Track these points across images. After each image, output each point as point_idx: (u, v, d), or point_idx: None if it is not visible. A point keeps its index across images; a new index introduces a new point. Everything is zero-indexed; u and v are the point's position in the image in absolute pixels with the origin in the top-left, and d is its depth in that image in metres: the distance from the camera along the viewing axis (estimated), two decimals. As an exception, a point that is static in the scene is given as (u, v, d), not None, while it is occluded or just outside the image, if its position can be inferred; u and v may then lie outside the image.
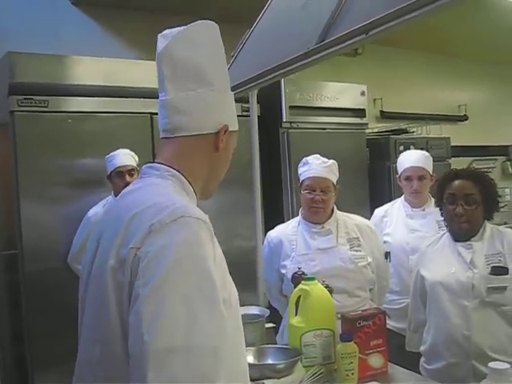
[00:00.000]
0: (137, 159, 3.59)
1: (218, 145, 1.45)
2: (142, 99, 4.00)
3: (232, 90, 2.05)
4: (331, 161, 2.86)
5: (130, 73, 4.04)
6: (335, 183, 2.85)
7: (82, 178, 3.79)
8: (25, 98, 3.60)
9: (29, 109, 3.62)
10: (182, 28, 1.47)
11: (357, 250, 2.78)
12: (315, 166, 2.84)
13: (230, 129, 1.48)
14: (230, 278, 1.36)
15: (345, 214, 2.93)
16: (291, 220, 3.03)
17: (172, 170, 1.39)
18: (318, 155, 2.90)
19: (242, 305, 2.51)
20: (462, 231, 2.47)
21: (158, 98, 4.26)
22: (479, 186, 2.44)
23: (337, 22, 1.51)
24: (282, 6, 2.18)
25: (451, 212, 2.47)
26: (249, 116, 4.30)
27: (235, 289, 1.38)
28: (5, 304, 4.27)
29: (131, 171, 3.53)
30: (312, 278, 2.31)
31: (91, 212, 3.58)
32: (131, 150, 3.62)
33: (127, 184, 3.44)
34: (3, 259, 4.13)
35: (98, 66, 3.97)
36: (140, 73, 4.07)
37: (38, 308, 3.68)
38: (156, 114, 4.23)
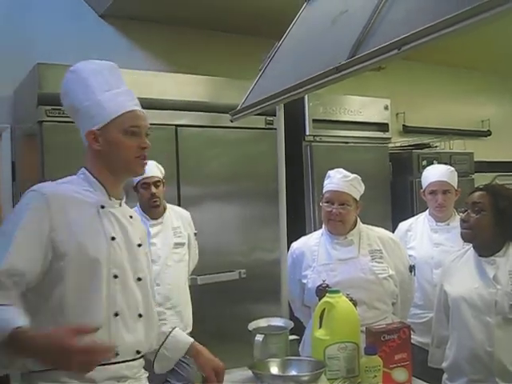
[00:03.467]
0: (163, 170, 3.61)
1: (92, 146, 1.86)
2: (167, 111, 4.06)
3: (259, 104, 2.09)
4: (353, 175, 2.87)
5: (155, 84, 4.08)
6: (357, 198, 2.86)
7: (107, 188, 3.82)
8: (53, 109, 3.65)
9: (57, 119, 3.67)
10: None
11: (378, 262, 2.78)
12: (336, 180, 2.87)
13: (95, 128, 1.84)
14: (83, 239, 1.74)
15: (368, 226, 2.94)
16: (315, 232, 3.05)
17: (84, 169, 1.93)
18: (341, 169, 2.91)
19: (264, 316, 2.54)
20: (465, 239, 2.50)
21: (183, 109, 4.32)
22: (490, 196, 2.44)
23: (368, 36, 1.53)
24: (310, 20, 2.20)
25: (460, 219, 2.52)
26: (272, 129, 4.36)
27: (88, 249, 1.74)
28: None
29: (157, 182, 3.55)
30: (337, 291, 2.31)
31: (116, 222, 3.60)
32: (156, 161, 3.64)
33: (153, 195, 3.49)
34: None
35: (124, 77, 4.00)
36: (165, 85, 4.12)
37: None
38: (181, 125, 4.29)
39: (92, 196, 1.85)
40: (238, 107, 2.37)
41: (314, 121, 4.72)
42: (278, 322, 2.54)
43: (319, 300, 2.41)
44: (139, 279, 1.88)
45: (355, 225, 2.88)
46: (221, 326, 4.11)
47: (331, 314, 2.26)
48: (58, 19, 4.68)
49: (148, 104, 3.89)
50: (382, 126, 5.15)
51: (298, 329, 2.74)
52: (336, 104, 4.87)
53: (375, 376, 2.12)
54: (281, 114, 2.79)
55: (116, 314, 1.77)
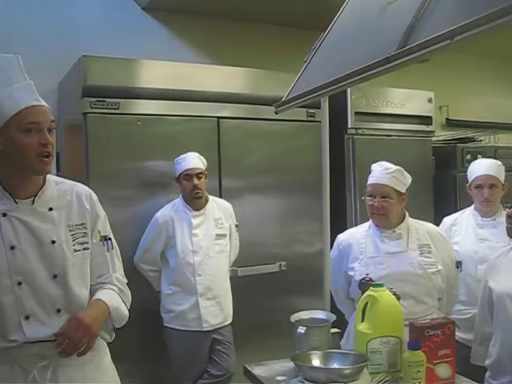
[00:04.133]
0: (205, 162, 3.63)
1: None
2: (210, 103, 4.07)
3: (304, 96, 2.08)
4: (396, 167, 2.83)
5: (197, 77, 4.10)
6: (401, 190, 2.82)
7: (149, 179, 3.87)
8: (97, 101, 3.70)
9: (101, 111, 3.73)
10: None
11: (427, 257, 2.74)
12: (377, 173, 2.85)
13: None
14: None
15: (416, 220, 2.90)
16: (362, 224, 3.02)
17: None
18: (384, 162, 2.89)
19: (304, 309, 2.54)
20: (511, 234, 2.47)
21: (225, 102, 4.31)
22: None
23: (418, 26, 1.50)
24: (357, 10, 2.17)
25: (506, 214, 2.50)
26: (314, 122, 4.34)
27: None
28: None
29: (199, 174, 3.58)
30: (380, 285, 2.29)
31: (159, 214, 3.65)
32: (198, 153, 3.66)
33: (195, 186, 3.51)
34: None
35: (167, 69, 4.04)
36: (207, 77, 4.14)
37: (103, 305, 3.76)
38: (223, 117, 4.29)
39: None
40: (283, 99, 2.35)
41: (357, 113, 4.69)
42: (320, 314, 2.53)
43: (362, 293, 2.39)
44: (55, 276, 1.89)
45: (403, 218, 2.85)
46: (261, 318, 4.12)
47: (374, 307, 2.24)
48: (101, 12, 4.74)
49: (190, 96, 3.99)
50: (426, 119, 5.08)
51: (340, 322, 2.73)
52: (379, 96, 4.82)
53: (418, 371, 2.09)
54: (325, 106, 2.76)
55: (27, 317, 1.82)
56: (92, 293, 2.03)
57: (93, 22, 4.69)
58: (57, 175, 4.41)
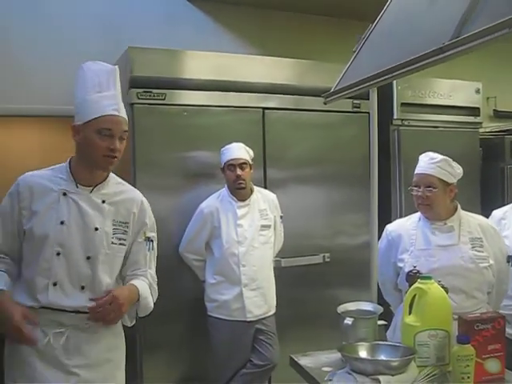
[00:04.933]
0: (251, 153, 3.64)
1: (74, 138, 2.17)
2: (255, 94, 4.08)
3: (354, 86, 2.06)
4: (442, 157, 2.80)
5: (243, 67, 4.12)
6: (447, 180, 2.78)
7: (195, 169, 3.90)
8: (144, 91, 3.74)
9: (147, 101, 3.77)
10: None
11: (478, 251, 2.70)
12: (422, 163, 2.84)
13: (78, 123, 2.13)
14: (35, 222, 2.12)
15: (467, 213, 2.86)
16: (411, 215, 2.99)
17: (70, 158, 2.24)
18: (430, 152, 2.86)
19: (348, 301, 2.53)
20: None
21: (271, 92, 4.32)
22: None
23: (473, 15, 1.47)
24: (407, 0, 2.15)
25: None
26: (360, 113, 4.31)
27: (36, 231, 2.12)
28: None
29: (242, 164, 3.58)
30: (428, 277, 2.27)
31: (204, 204, 3.68)
32: (243, 144, 3.67)
33: (238, 176, 3.52)
34: (119, 245, 4.32)
35: (212, 60, 4.06)
36: (253, 67, 4.14)
37: (149, 293, 3.81)
38: (269, 108, 4.29)
39: (61, 183, 2.18)
40: (332, 89, 2.34)
41: (403, 104, 4.64)
42: (366, 306, 2.52)
43: (409, 286, 2.37)
44: (88, 258, 2.16)
45: (455, 211, 2.81)
46: (304, 309, 4.13)
47: (422, 300, 2.22)
48: (147, 4, 4.80)
49: (235, 87, 4.01)
50: (473, 111, 5.00)
51: (387, 314, 2.71)
52: (425, 87, 4.76)
53: (467, 366, 2.06)
54: (374, 96, 2.73)
55: (54, 284, 2.10)
56: (126, 280, 2.33)
57: (139, 14, 4.76)
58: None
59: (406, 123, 4.63)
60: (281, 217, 3.79)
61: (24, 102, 4.36)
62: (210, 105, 3.96)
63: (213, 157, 3.83)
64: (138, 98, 3.74)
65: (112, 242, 2.20)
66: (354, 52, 2.33)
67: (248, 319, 3.56)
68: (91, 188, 2.19)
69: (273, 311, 3.70)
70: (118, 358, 2.34)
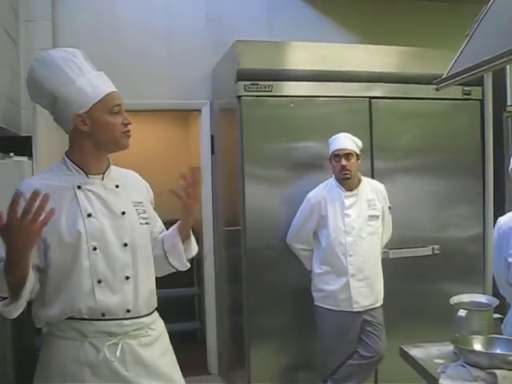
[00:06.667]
0: (358, 143, 3.60)
1: (81, 128, 2.00)
2: (361, 83, 4.05)
3: (469, 71, 1.99)
4: None
5: (348, 57, 4.10)
6: None
7: (301, 160, 3.93)
8: (251, 84, 3.81)
9: (254, 93, 3.84)
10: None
11: None
12: None
13: (81, 112, 1.97)
14: (61, 226, 1.95)
15: None
16: None
17: (64, 155, 2.08)
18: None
19: (458, 293, 2.45)
20: None
21: (377, 81, 4.26)
22: None
23: None
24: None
25: None
26: (470, 100, 4.17)
27: (66, 235, 1.95)
28: (224, 277, 4.57)
29: (348, 155, 3.55)
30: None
31: (311, 194, 3.69)
32: (350, 133, 3.64)
33: (343, 167, 3.51)
34: (227, 235, 4.42)
35: (316, 50, 4.06)
36: (357, 57, 4.11)
37: (256, 283, 3.90)
38: (375, 97, 4.22)
39: (69, 179, 2.03)
40: (444, 75, 2.27)
41: (517, 90, 4.43)
42: (481, 298, 2.44)
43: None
44: (125, 245, 2.05)
45: None
46: (412, 302, 4.06)
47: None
48: (252, -1, 4.86)
49: (341, 77, 4.00)
50: None
51: (503, 308, 2.62)
52: (541, 72, 4.53)
53: None
54: (488, 82, 2.63)
55: (99, 281, 1.98)
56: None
57: (244, 9, 4.83)
58: (211, 158, 4.67)
59: (520, 110, 4.42)
60: (389, 207, 3.74)
61: (152, 97, 4.60)
62: (315, 95, 3.97)
63: (319, 147, 3.84)
64: (245, 91, 3.81)
65: (140, 223, 2.13)
66: (467, 36, 2.25)
67: (355, 310, 3.55)
68: (101, 176, 2.09)
69: (380, 302, 3.66)
70: (172, 359, 2.24)
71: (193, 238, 2.28)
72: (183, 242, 2.24)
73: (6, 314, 1.84)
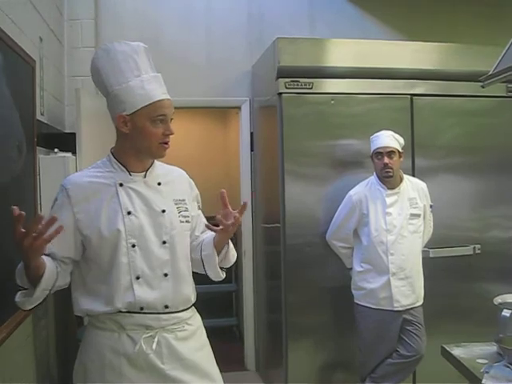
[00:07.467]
0: (401, 141, 3.56)
1: (121, 129, 2.01)
2: (402, 80, 4.02)
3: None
4: None
5: (389, 54, 4.05)
6: None
7: (342, 158, 3.91)
8: (292, 81, 3.81)
9: (295, 91, 3.84)
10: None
11: None
12: None
13: (125, 113, 1.97)
14: (100, 222, 1.99)
15: None
16: None
17: (110, 152, 2.11)
18: None
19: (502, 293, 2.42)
20: None
21: (418, 78, 4.21)
22: None
23: None
24: None
25: None
26: (513, 97, 4.11)
27: (104, 231, 1.99)
28: (262, 274, 4.59)
29: (390, 153, 3.53)
30: None
31: (353, 191, 3.68)
32: (392, 131, 3.61)
33: (385, 165, 3.49)
34: (267, 232, 4.44)
35: (357, 47, 4.03)
36: (398, 53, 4.07)
37: (295, 280, 3.90)
38: (417, 95, 4.17)
39: (112, 176, 2.06)
40: (491, 71, 2.24)
41: None
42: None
43: None
44: (164, 242, 2.07)
45: None
46: (452, 301, 4.02)
47: None
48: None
49: (382, 73, 3.97)
50: None
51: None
52: None
53: None
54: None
55: (138, 277, 2.01)
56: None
57: (285, 6, 4.83)
58: (251, 154, 4.69)
59: None
60: (430, 206, 3.70)
61: (191, 95, 4.62)
62: (356, 92, 3.96)
63: (360, 145, 3.82)
64: (286, 88, 3.82)
65: (180, 221, 2.13)
66: (516, 32, 2.22)
67: (395, 309, 3.52)
68: (144, 173, 2.10)
69: (421, 302, 3.63)
70: (209, 354, 2.24)
71: (231, 246, 2.24)
72: (221, 251, 2.21)
73: (20, 304, 1.90)
